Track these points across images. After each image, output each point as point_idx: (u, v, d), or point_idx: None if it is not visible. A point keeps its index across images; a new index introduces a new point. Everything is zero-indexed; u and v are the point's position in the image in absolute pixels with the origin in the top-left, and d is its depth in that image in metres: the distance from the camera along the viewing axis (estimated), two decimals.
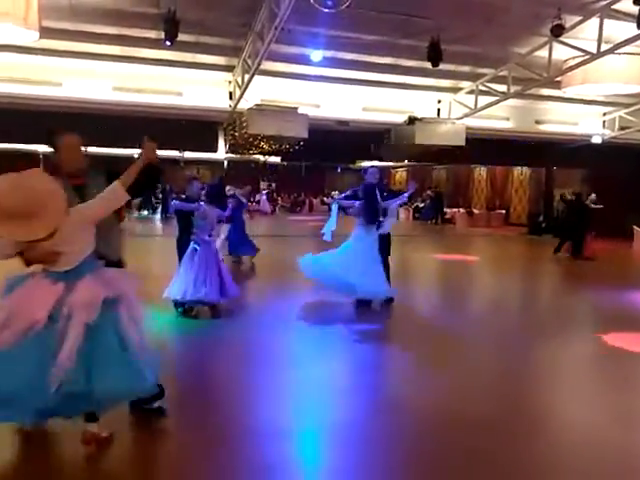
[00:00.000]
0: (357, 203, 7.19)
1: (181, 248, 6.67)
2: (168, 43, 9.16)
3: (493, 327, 6.85)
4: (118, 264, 3.36)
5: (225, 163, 19.42)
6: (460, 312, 7.82)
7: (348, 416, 3.92)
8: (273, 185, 34.85)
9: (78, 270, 2.89)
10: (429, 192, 26.78)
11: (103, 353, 2.85)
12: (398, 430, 3.72)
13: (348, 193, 7.65)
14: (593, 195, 15.98)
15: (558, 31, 8.98)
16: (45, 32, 8.26)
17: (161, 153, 14.71)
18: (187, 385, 4.40)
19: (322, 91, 13.85)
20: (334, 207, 7.63)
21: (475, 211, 25.85)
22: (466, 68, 12.81)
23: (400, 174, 33.66)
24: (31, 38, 7.91)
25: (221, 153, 16.76)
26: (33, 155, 19.94)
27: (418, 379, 4.86)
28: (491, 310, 8.20)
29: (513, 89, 12.15)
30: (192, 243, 6.40)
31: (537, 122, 15.78)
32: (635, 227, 16.88)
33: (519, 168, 23.99)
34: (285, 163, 25.78)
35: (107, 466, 3.13)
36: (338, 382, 4.71)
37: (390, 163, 26.46)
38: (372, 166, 8.93)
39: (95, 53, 11.39)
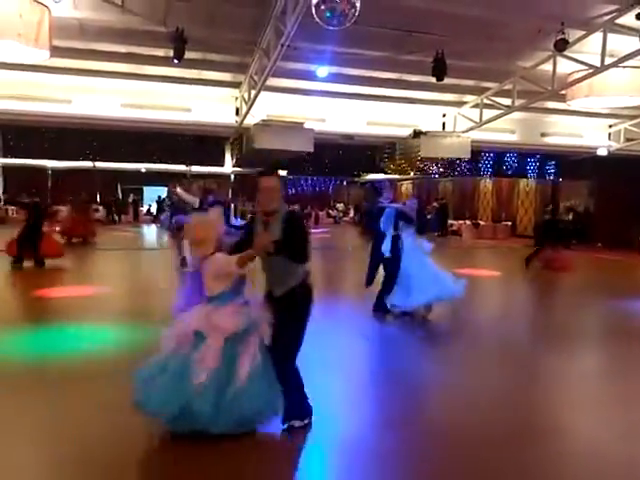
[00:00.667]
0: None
1: None
2: (176, 61, 9.28)
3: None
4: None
5: (232, 177, 19.58)
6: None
7: (357, 431, 3.94)
8: None
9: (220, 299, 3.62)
10: (435, 204, 26.79)
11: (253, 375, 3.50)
12: (408, 445, 3.73)
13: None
14: (572, 202, 16.22)
15: (562, 45, 9.05)
16: (55, 51, 8.44)
17: (168, 167, 14.79)
18: None
19: (327, 106, 13.97)
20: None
21: (481, 223, 25.82)
22: (470, 82, 12.90)
23: (406, 186, 33.73)
24: (42, 57, 8.08)
25: (228, 167, 16.90)
26: (42, 170, 20.18)
27: (433, 391, 4.87)
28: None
29: (518, 102, 12.21)
30: None
31: (542, 135, 15.82)
32: None
33: (525, 180, 23.98)
34: (291, 177, 25.91)
35: None
36: (349, 394, 4.73)
37: (395, 176, 26.52)
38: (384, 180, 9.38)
39: (104, 71, 11.58)
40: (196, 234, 3.74)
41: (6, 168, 18.83)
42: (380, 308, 7.68)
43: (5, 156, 15.12)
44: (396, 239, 7.60)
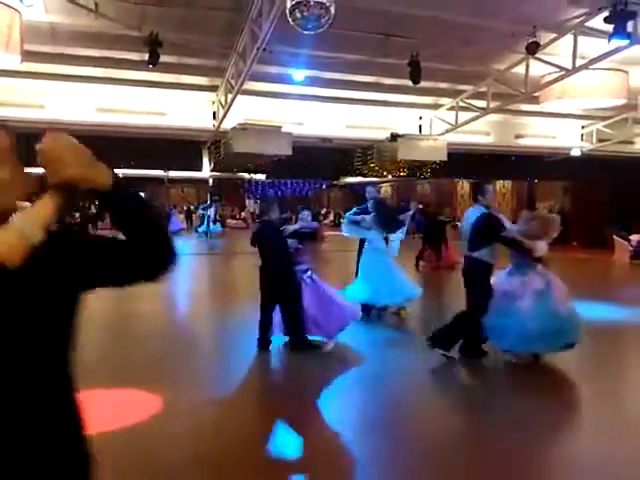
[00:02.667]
0: (368, 217, 7.51)
1: None
2: (151, 65, 9.20)
3: None
4: None
5: (210, 181, 19.43)
6: None
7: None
8: (257, 202, 34.91)
9: None
10: (420, 206, 26.67)
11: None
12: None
13: (356, 210, 8.16)
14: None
15: (533, 48, 9.20)
16: (27, 55, 8.28)
17: (146, 172, 14.55)
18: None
19: (305, 109, 13.99)
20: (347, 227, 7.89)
21: (459, 224, 26.03)
22: (446, 85, 13.03)
23: (385, 188, 33.97)
24: (13, 62, 7.95)
25: (206, 172, 16.80)
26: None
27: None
28: None
29: (493, 105, 12.37)
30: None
31: (517, 136, 16.05)
32: (615, 237, 17.16)
33: (501, 181, 24.30)
34: (270, 180, 25.87)
35: None
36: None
37: (374, 179, 26.65)
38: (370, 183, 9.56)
39: (77, 75, 11.43)
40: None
41: None
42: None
43: None
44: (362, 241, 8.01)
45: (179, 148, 15.08)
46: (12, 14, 7.28)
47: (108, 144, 15.21)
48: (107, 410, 4.07)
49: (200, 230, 19.69)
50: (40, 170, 1.36)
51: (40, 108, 12.23)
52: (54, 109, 12.30)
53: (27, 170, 1.45)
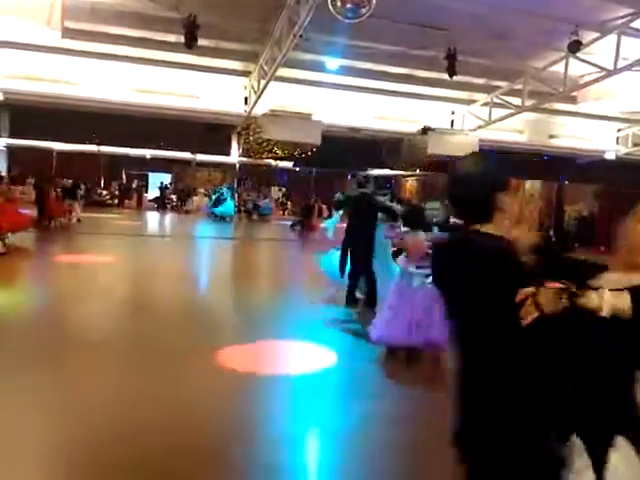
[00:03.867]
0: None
1: None
2: (187, 47, 9.25)
3: None
4: None
5: (237, 166, 19.52)
6: None
7: None
8: (283, 190, 34.97)
9: None
10: (447, 202, 26.42)
11: None
12: None
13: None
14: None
15: (575, 47, 9.03)
16: (66, 32, 8.40)
17: (174, 154, 14.69)
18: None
19: (335, 98, 13.93)
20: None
21: None
22: (481, 80, 12.86)
23: (410, 183, 33.66)
24: (53, 38, 8.08)
25: (234, 157, 16.88)
26: (48, 152, 20.16)
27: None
28: None
29: (528, 102, 12.17)
30: None
31: (551, 136, 15.78)
32: None
33: (529, 182, 23.92)
34: (297, 169, 25.90)
35: None
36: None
37: (400, 172, 26.49)
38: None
39: (114, 54, 11.54)
40: None
41: (11, 148, 18.81)
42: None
43: (11, 136, 15.06)
44: None
45: (209, 132, 15.19)
46: None
47: (139, 124, 15.47)
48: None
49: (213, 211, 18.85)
50: None
51: (75, 85, 12.40)
52: (89, 87, 12.46)
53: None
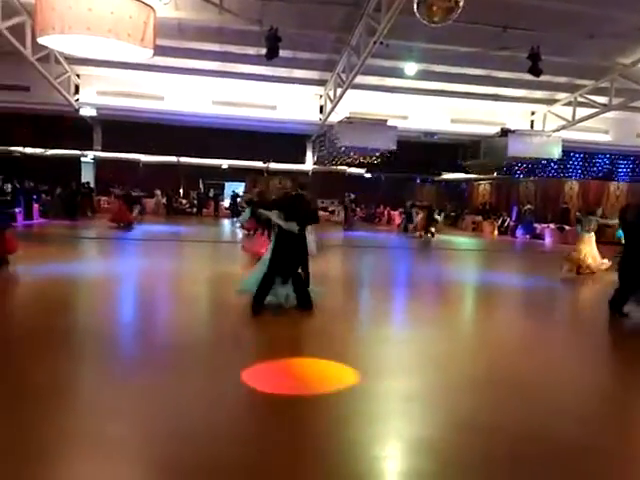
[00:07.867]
0: None
1: None
2: (268, 59, 9.47)
3: None
4: None
5: (310, 174, 19.83)
6: None
7: None
8: (352, 196, 34.97)
9: None
10: (529, 206, 24.95)
11: None
12: None
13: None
14: None
15: None
16: (156, 50, 8.85)
17: (248, 164, 14.94)
18: None
19: (410, 103, 13.86)
20: None
21: (566, 227, 24.64)
22: (563, 79, 12.39)
23: (484, 187, 32.79)
24: (146, 56, 8.53)
25: (309, 164, 17.13)
26: (133, 163, 21.22)
27: None
28: None
29: (615, 101, 11.62)
30: None
31: (639, 135, 14.97)
32: None
33: (615, 182, 22.74)
34: (369, 175, 25.94)
35: None
36: None
37: (475, 175, 25.88)
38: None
39: (197, 69, 12.06)
40: None
41: (98, 160, 19.95)
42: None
43: (104, 150, 16.00)
44: None
45: (285, 141, 15.50)
46: (148, 11, 7.82)
47: (217, 135, 16.00)
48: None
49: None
50: None
51: (160, 100, 13.04)
52: (173, 101, 13.08)
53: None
